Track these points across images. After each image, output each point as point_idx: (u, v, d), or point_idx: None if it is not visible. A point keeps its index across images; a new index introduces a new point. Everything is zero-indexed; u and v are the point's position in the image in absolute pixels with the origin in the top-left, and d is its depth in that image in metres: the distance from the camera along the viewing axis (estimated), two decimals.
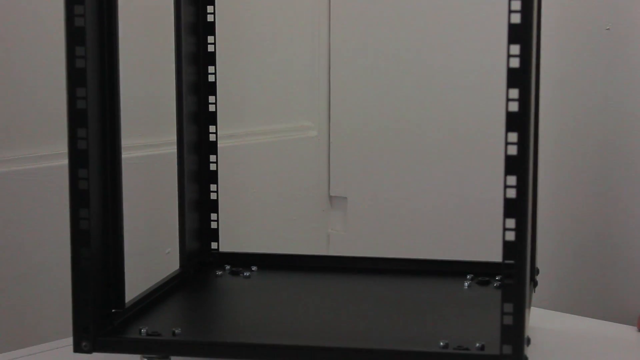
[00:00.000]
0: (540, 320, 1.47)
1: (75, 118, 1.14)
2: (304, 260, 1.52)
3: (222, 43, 1.55)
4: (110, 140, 1.20)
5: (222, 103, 1.55)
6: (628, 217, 1.67)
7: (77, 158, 1.14)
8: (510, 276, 1.05)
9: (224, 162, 1.60)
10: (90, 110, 1.14)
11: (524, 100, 1.03)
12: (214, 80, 1.50)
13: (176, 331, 1.19)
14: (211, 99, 1.50)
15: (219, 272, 1.47)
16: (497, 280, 1.40)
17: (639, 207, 1.66)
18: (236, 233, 1.86)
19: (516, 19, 1.02)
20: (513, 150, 1.04)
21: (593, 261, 1.72)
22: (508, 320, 1.06)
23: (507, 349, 1.07)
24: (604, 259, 1.70)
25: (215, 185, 1.52)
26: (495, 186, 1.27)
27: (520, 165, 1.04)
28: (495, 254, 1.19)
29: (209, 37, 1.50)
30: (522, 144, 1.03)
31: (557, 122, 1.73)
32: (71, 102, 1.13)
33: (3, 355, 1.38)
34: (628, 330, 1.45)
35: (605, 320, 1.51)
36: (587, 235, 1.72)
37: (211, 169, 1.51)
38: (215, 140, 1.51)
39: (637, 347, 1.41)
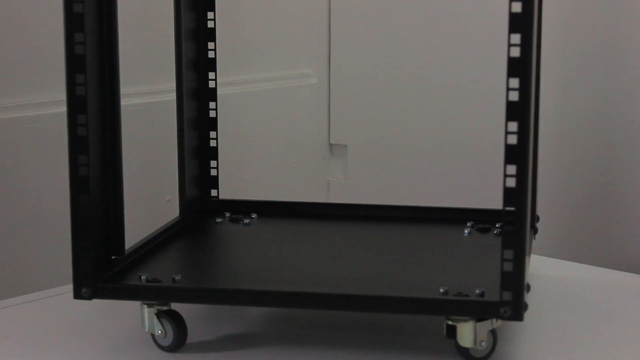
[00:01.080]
0: (540, 267, 1.47)
1: (74, 64, 1.13)
2: (304, 208, 1.51)
3: None
4: (109, 86, 1.19)
5: (222, 50, 1.54)
6: (629, 164, 1.67)
7: (75, 104, 1.13)
8: (511, 223, 1.05)
9: (223, 110, 1.59)
10: (88, 56, 1.13)
11: (525, 45, 1.02)
12: (213, 26, 1.49)
13: (176, 278, 1.19)
14: (210, 45, 1.49)
15: (218, 220, 1.47)
16: (497, 227, 1.40)
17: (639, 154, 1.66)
18: (236, 180, 1.85)
19: None
20: (514, 96, 1.03)
21: (593, 209, 1.72)
22: (508, 266, 1.06)
23: (507, 296, 1.07)
24: (604, 206, 1.70)
25: (215, 132, 1.51)
26: (496, 133, 1.26)
27: (522, 111, 1.03)
28: (495, 202, 1.19)
29: None
30: (524, 90, 1.03)
31: (559, 69, 1.72)
32: (69, 47, 1.12)
33: (3, 302, 1.39)
34: (627, 278, 1.45)
35: (604, 267, 1.52)
36: (588, 182, 1.72)
37: (211, 116, 1.50)
38: (214, 87, 1.50)
39: (636, 293, 1.41)
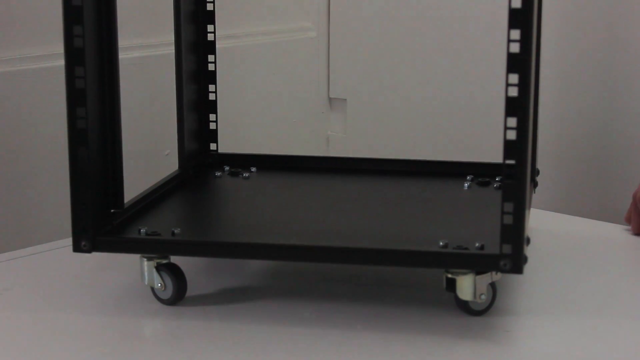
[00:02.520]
0: (540, 221, 1.47)
1: (71, 15, 1.12)
2: (304, 162, 1.51)
3: None
4: (107, 39, 1.18)
5: (220, 2, 1.53)
6: (629, 117, 1.67)
7: (73, 56, 1.12)
8: (511, 176, 1.05)
9: (222, 63, 1.58)
10: (86, 7, 1.12)
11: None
12: None
13: (175, 231, 1.19)
14: None
15: (218, 173, 1.47)
16: (497, 181, 1.40)
17: None
18: (235, 134, 1.85)
19: None
20: (515, 47, 1.02)
21: (593, 162, 1.72)
22: (508, 219, 1.06)
23: (507, 249, 1.07)
24: (604, 160, 1.70)
25: (214, 86, 1.50)
26: (497, 85, 1.26)
27: (523, 62, 1.02)
28: (495, 155, 1.18)
29: None
30: (525, 41, 1.02)
31: (560, 18, 1.71)
32: None
33: (3, 255, 1.39)
34: (627, 231, 1.45)
35: (604, 221, 1.52)
36: (588, 136, 1.72)
37: (209, 69, 1.50)
38: (213, 40, 1.49)
39: (635, 246, 1.42)
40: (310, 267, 1.32)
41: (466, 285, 1.12)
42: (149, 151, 1.76)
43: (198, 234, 1.23)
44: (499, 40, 1.17)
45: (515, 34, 1.02)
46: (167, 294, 1.20)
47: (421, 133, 1.93)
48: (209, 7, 1.48)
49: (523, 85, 1.03)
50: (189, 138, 1.46)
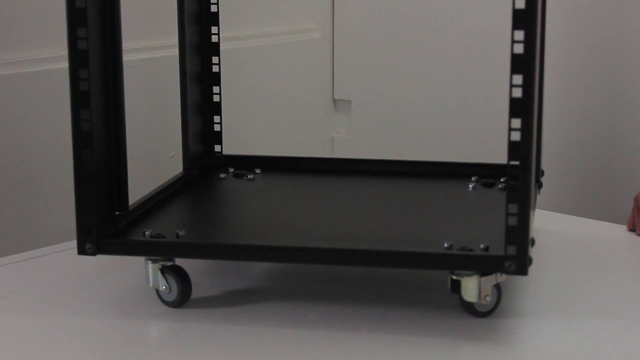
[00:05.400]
0: (544, 222, 1.47)
1: (75, 17, 1.12)
2: (308, 163, 1.51)
3: None
4: (111, 40, 1.18)
5: (224, 4, 1.53)
6: (633, 118, 1.67)
7: (77, 58, 1.13)
8: (515, 177, 1.05)
9: (226, 65, 1.58)
10: (89, 9, 1.12)
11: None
12: None
13: (180, 233, 1.19)
14: None
15: (222, 175, 1.47)
16: (502, 182, 1.40)
17: None
18: (240, 136, 1.85)
19: None
20: (520, 48, 1.02)
21: (598, 163, 1.71)
22: (513, 221, 1.06)
23: (512, 250, 1.07)
24: (609, 161, 1.70)
25: (218, 87, 1.50)
26: (501, 86, 1.25)
27: (527, 64, 1.02)
28: (500, 156, 1.18)
29: None
30: (529, 41, 1.02)
31: (564, 18, 1.71)
32: (70, 1, 1.11)
33: (8, 258, 1.39)
34: (632, 232, 1.45)
35: (609, 222, 1.51)
36: (593, 137, 1.72)
37: (214, 71, 1.50)
38: (217, 41, 1.49)
39: (639, 248, 1.42)
40: (315, 269, 1.32)
41: (471, 287, 1.12)
42: (153, 153, 1.76)
43: (203, 236, 1.23)
44: (503, 40, 1.17)
45: (519, 34, 1.02)
46: (172, 296, 1.20)
47: (426, 134, 1.93)
48: (213, 8, 1.48)
49: (527, 86, 1.03)
50: (193, 140, 1.46)
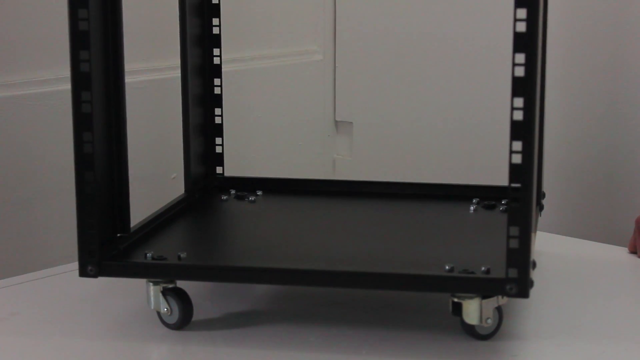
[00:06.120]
0: (546, 244, 1.47)
1: (78, 40, 1.12)
2: (309, 185, 1.51)
3: None
4: (114, 63, 1.19)
5: (226, 26, 1.53)
6: (635, 141, 1.67)
7: (80, 81, 1.13)
8: (517, 199, 1.05)
9: (228, 86, 1.59)
10: (92, 32, 1.13)
11: (531, 21, 1.01)
12: (217, 2, 1.48)
13: (182, 255, 1.19)
14: (215, 21, 1.49)
15: (224, 197, 1.47)
16: (503, 204, 1.40)
17: None
18: (241, 158, 1.85)
19: None
20: (520, 71, 1.02)
21: (599, 185, 1.71)
22: (514, 243, 1.06)
23: (513, 273, 1.07)
24: (610, 183, 1.70)
25: (220, 109, 1.50)
26: (502, 109, 1.26)
27: (528, 87, 1.02)
28: (501, 178, 1.18)
29: None
30: (530, 65, 1.02)
31: (564, 41, 1.72)
32: (73, 23, 1.12)
33: (9, 280, 1.39)
34: (633, 255, 1.45)
35: (610, 244, 1.51)
36: (594, 159, 1.72)
37: (215, 92, 1.50)
38: (219, 63, 1.49)
39: None
40: (316, 291, 1.32)
41: (472, 310, 1.12)
42: (155, 174, 1.76)
43: (204, 258, 1.23)
44: (505, 63, 1.17)
45: (520, 57, 1.02)
46: (174, 318, 1.19)
47: (427, 156, 1.93)
48: (215, 30, 1.49)
49: (528, 109, 1.03)
50: (195, 161, 1.46)
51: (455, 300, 1.13)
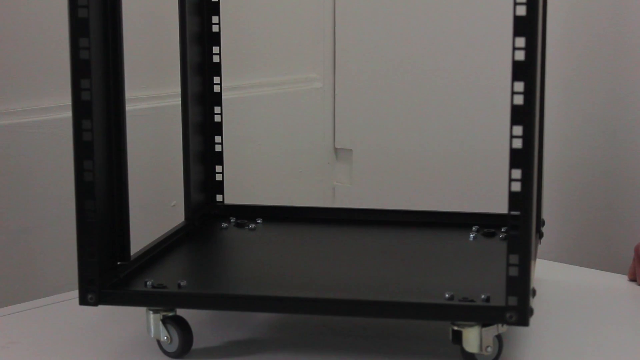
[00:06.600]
0: (546, 271, 1.47)
1: (79, 69, 1.13)
2: (309, 213, 1.51)
3: None
4: (114, 91, 1.19)
5: (226, 54, 1.54)
6: (634, 168, 1.67)
7: (80, 109, 1.13)
8: (516, 227, 1.05)
9: (228, 114, 1.59)
10: (93, 60, 1.13)
11: (530, 49, 1.02)
12: (218, 30, 1.49)
13: (182, 284, 1.19)
14: (215, 49, 1.49)
15: (224, 225, 1.47)
16: (503, 232, 1.40)
17: None
18: (241, 185, 1.85)
19: None
20: (519, 100, 1.03)
21: (599, 213, 1.72)
22: (514, 271, 1.06)
23: (513, 301, 1.07)
24: (609, 210, 1.70)
25: (220, 137, 1.51)
26: (502, 137, 1.26)
27: (527, 115, 1.03)
28: (500, 206, 1.18)
29: None
30: (529, 93, 1.02)
31: (563, 72, 1.72)
32: (74, 52, 1.12)
33: (9, 308, 1.39)
34: (633, 282, 1.45)
35: (610, 272, 1.51)
36: (593, 186, 1.72)
37: (216, 120, 1.50)
38: (219, 91, 1.50)
39: None
40: (316, 320, 1.32)
41: (472, 338, 1.12)
42: (155, 202, 1.76)
43: (204, 287, 1.23)
44: (504, 91, 1.18)
45: (519, 86, 1.03)
46: (174, 346, 1.19)
47: (427, 183, 1.93)
48: (215, 58, 1.49)
49: (527, 137, 1.03)
50: (195, 189, 1.46)
51: (456, 328, 1.13)
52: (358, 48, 2.01)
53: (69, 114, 1.14)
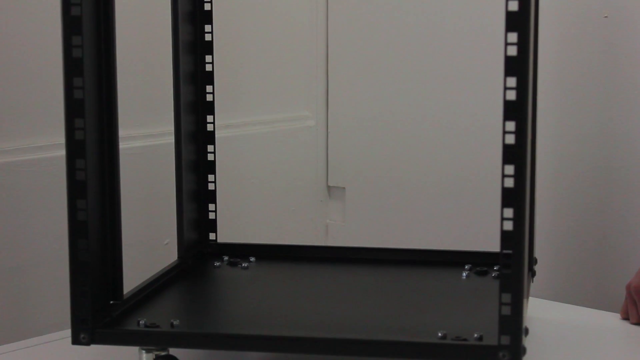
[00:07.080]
0: (538, 310, 1.47)
1: (73, 108, 1.13)
2: (303, 251, 1.51)
3: (219, 32, 1.55)
4: (108, 130, 1.19)
5: (220, 93, 1.55)
6: (626, 208, 1.67)
7: (74, 148, 1.13)
8: (508, 266, 1.05)
9: (221, 152, 1.60)
10: (87, 100, 1.13)
11: (521, 88, 1.02)
12: (211, 69, 1.49)
13: (174, 322, 1.18)
14: (209, 88, 1.50)
15: (217, 263, 1.47)
16: (495, 270, 1.40)
17: (637, 196, 1.66)
18: (234, 224, 1.85)
19: (514, 6, 1.02)
20: (511, 139, 1.03)
21: (591, 251, 1.72)
22: (506, 310, 1.06)
23: (505, 340, 1.07)
24: (602, 249, 1.70)
25: (213, 175, 1.51)
26: (493, 176, 1.26)
27: (518, 154, 1.03)
28: (493, 244, 1.18)
29: (206, 26, 1.50)
30: (520, 132, 1.03)
31: (555, 109, 1.73)
32: (68, 92, 1.13)
33: (2, 348, 1.38)
34: (627, 322, 1.45)
35: (604, 310, 1.51)
36: (586, 225, 1.72)
37: (209, 159, 1.51)
38: (212, 130, 1.50)
39: (635, 337, 1.41)
40: (309, 359, 1.31)
41: None
42: (148, 240, 1.76)
43: (197, 326, 1.23)
44: (495, 128, 1.19)
45: (510, 125, 1.03)
46: None
47: (420, 222, 1.94)
48: (209, 97, 1.50)
49: (519, 176, 1.04)
50: (188, 228, 1.46)
51: None
52: (351, 86, 2.02)
53: (62, 152, 1.14)
